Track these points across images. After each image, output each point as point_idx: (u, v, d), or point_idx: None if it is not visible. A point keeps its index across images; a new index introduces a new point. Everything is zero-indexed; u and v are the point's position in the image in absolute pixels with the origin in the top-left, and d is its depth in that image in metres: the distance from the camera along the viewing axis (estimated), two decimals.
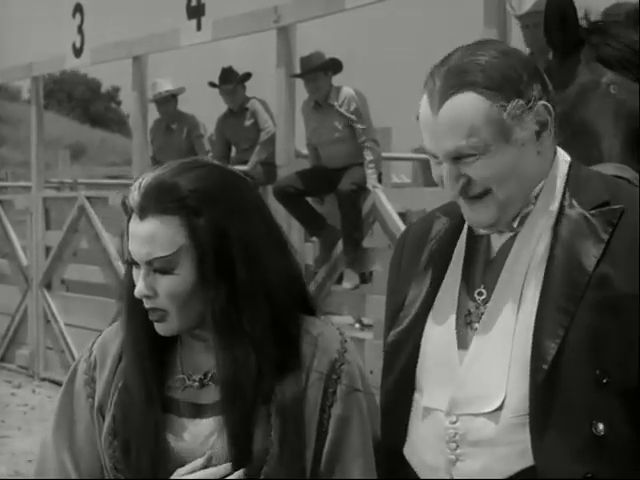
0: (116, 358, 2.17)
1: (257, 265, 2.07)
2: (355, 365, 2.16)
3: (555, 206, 2.09)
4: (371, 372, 2.55)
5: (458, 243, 2.19)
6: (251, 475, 2.03)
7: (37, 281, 11.43)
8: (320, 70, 8.02)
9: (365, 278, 8.64)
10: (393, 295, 2.28)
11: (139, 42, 9.86)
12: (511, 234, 2.11)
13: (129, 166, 11.72)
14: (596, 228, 2.03)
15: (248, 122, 9.55)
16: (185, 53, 10.20)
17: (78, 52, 10.56)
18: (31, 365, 11.48)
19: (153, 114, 10.39)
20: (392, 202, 7.62)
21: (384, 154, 8.96)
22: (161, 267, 2.04)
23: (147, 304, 2.07)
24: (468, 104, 2.00)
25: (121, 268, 8.70)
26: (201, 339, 2.13)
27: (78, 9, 10.52)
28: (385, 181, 9.07)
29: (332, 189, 7.93)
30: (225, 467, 2.04)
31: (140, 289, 2.05)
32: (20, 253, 11.96)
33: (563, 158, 2.15)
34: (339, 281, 8.48)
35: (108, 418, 2.11)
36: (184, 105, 10.44)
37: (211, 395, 2.11)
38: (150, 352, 2.12)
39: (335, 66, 8.18)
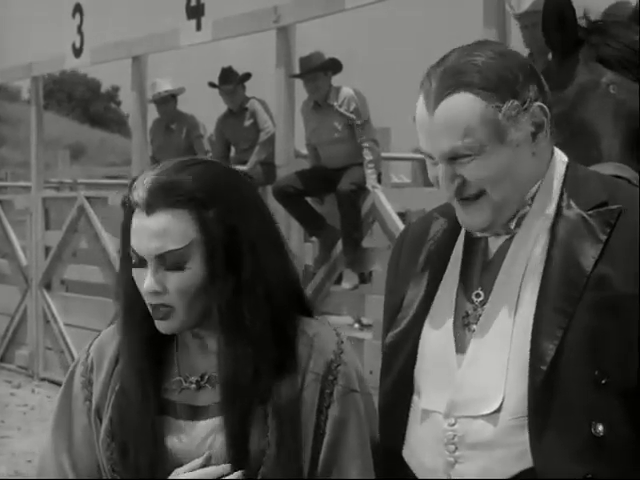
0: (113, 360, 2.16)
1: (260, 263, 2.07)
2: (352, 366, 2.15)
3: (552, 207, 2.08)
4: (370, 372, 2.55)
5: (456, 245, 2.18)
6: (248, 476, 2.03)
7: (37, 281, 11.43)
8: (320, 70, 8.02)
9: (364, 278, 8.64)
10: (391, 295, 2.28)
11: (139, 42, 9.86)
12: (508, 236, 2.10)
13: (129, 166, 11.73)
14: (594, 228, 2.02)
15: (248, 122, 9.55)
16: (185, 53, 10.21)
17: (78, 52, 10.56)
18: (31, 365, 11.48)
19: (153, 114, 10.40)
20: (391, 202, 7.62)
21: (383, 154, 8.96)
22: (173, 261, 2.02)
23: (153, 301, 2.05)
24: (464, 104, 2.00)
25: None
26: (198, 337, 2.13)
27: (78, 9, 10.52)
28: (384, 181, 9.07)
29: (331, 189, 7.93)
30: (224, 467, 2.04)
31: (150, 285, 2.02)
32: (20, 253, 11.96)
33: (560, 159, 2.15)
34: (338, 281, 8.48)
35: (105, 420, 2.11)
36: (184, 105, 10.45)
37: (208, 397, 2.11)
38: (147, 354, 2.11)
39: (335, 66, 8.18)
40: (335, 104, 8.02)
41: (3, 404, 9.80)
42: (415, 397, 2.14)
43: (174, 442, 2.08)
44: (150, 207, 2.03)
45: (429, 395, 2.11)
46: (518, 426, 2.00)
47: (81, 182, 16.53)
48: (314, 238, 8.51)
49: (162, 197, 2.03)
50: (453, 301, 2.13)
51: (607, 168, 2.77)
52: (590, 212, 2.04)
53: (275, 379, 2.07)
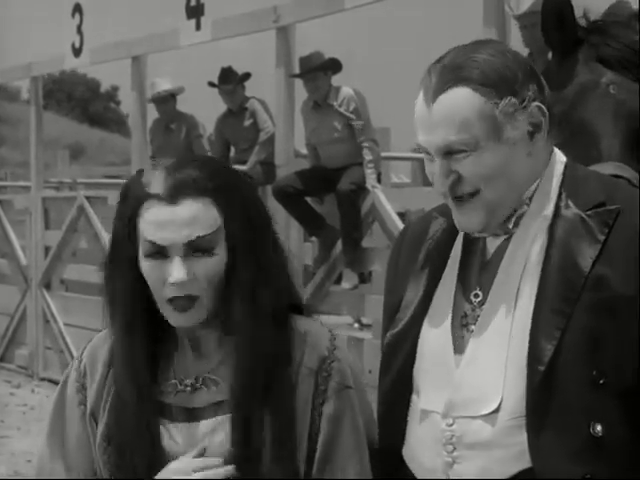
0: (106, 364, 2.15)
1: (267, 254, 2.11)
2: (345, 362, 2.15)
3: (550, 207, 2.08)
4: (370, 372, 2.55)
5: (455, 244, 2.18)
6: (247, 475, 2.03)
7: (36, 281, 11.43)
8: (319, 70, 8.03)
9: (364, 278, 8.64)
10: (390, 295, 2.27)
11: (138, 42, 9.86)
12: (506, 236, 2.10)
13: (128, 166, 11.73)
14: (592, 229, 2.02)
15: (247, 122, 9.55)
16: (184, 53, 10.21)
17: (77, 52, 10.56)
18: (30, 365, 11.48)
19: (152, 114, 10.40)
20: (391, 202, 7.62)
21: (383, 154, 8.96)
22: (203, 247, 2.03)
23: (179, 292, 2.03)
24: (462, 99, 2.01)
25: None
26: (194, 340, 2.13)
27: (77, 9, 10.53)
28: (384, 181, 9.07)
29: (331, 189, 7.94)
30: (213, 460, 2.03)
31: (181, 274, 2.01)
32: (19, 253, 11.97)
33: (559, 159, 2.14)
34: (338, 281, 8.48)
35: (101, 424, 2.10)
36: (183, 105, 10.46)
37: (203, 398, 2.10)
38: (144, 356, 2.10)
39: (334, 66, 8.19)
40: (335, 104, 8.02)
41: (3, 404, 9.80)
42: (414, 397, 2.14)
43: (171, 444, 2.08)
44: (173, 197, 2.03)
45: (428, 395, 2.11)
46: (516, 426, 2.00)
47: (81, 182, 16.51)
48: (314, 238, 8.51)
49: (188, 186, 2.04)
50: (451, 301, 2.13)
51: (607, 168, 2.77)
52: (588, 212, 2.04)
53: (271, 375, 2.07)
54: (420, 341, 2.14)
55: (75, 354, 2.28)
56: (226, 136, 9.83)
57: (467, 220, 2.08)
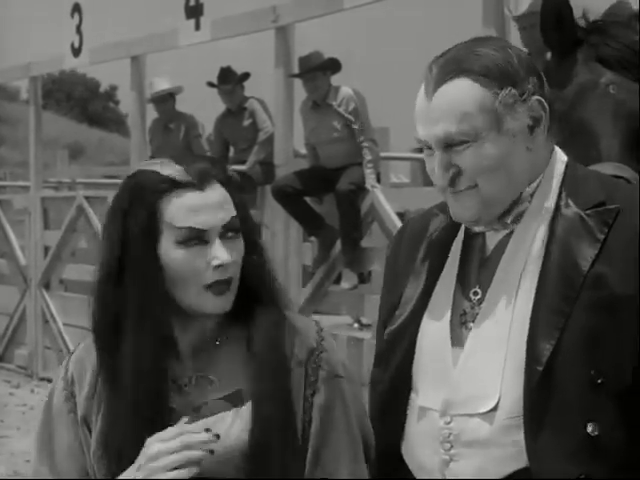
0: (95, 373, 2.13)
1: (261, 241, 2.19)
2: (333, 353, 2.16)
3: (551, 205, 2.08)
4: (369, 371, 2.55)
5: (455, 241, 2.18)
6: (262, 466, 2.03)
7: (36, 281, 11.43)
8: (319, 70, 8.02)
9: (363, 278, 8.64)
10: (389, 292, 2.27)
11: (138, 42, 9.86)
12: (506, 232, 2.10)
13: (127, 166, 11.74)
14: (592, 228, 2.02)
15: (246, 122, 9.55)
16: (184, 53, 10.20)
17: (76, 52, 10.56)
18: (30, 365, 11.48)
19: (151, 114, 10.40)
20: (391, 202, 7.62)
21: (382, 154, 8.97)
22: (236, 228, 2.08)
23: (222, 275, 2.05)
24: (462, 90, 2.01)
25: None
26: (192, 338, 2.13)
27: (76, 9, 10.52)
28: (384, 181, 9.08)
29: (330, 189, 7.93)
30: (193, 426, 2.00)
31: (226, 256, 2.04)
32: (19, 253, 11.97)
33: (560, 158, 2.15)
34: (337, 281, 8.48)
35: (95, 432, 2.07)
36: (183, 105, 10.45)
37: (201, 397, 2.09)
38: (161, 359, 2.08)
39: (334, 66, 8.18)
40: (334, 104, 8.02)
41: (2, 404, 9.80)
42: (413, 394, 2.14)
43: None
44: (202, 183, 2.07)
45: (426, 392, 2.12)
46: (514, 425, 2.00)
47: (80, 182, 16.51)
48: (313, 238, 8.51)
49: (210, 173, 2.10)
50: (451, 298, 2.13)
51: (606, 168, 2.77)
52: (588, 212, 2.04)
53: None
54: (419, 338, 2.15)
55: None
56: (225, 136, 9.82)
57: (461, 210, 2.08)
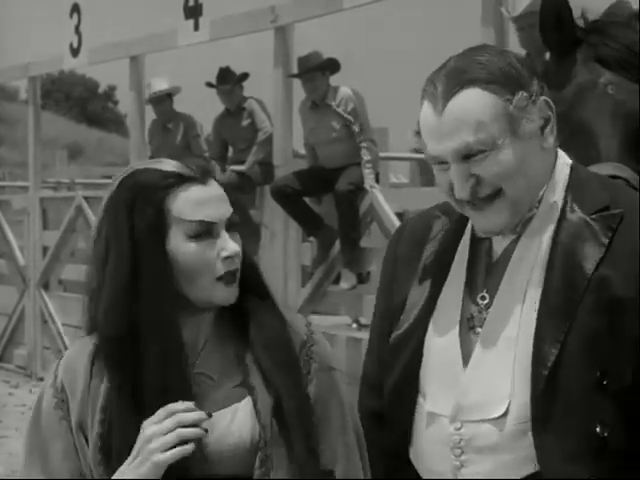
0: (87, 376, 2.10)
1: None
2: (323, 345, 2.17)
3: (557, 210, 2.07)
4: None
5: (461, 245, 2.17)
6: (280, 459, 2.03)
7: (34, 281, 11.43)
8: (318, 70, 8.02)
9: (362, 278, 8.64)
10: (389, 292, 2.26)
11: (136, 42, 9.87)
12: (513, 237, 2.09)
13: (126, 166, 11.72)
14: (597, 232, 2.02)
15: (245, 122, 9.54)
16: (182, 53, 10.21)
17: (75, 52, 10.56)
18: (29, 365, 11.49)
19: (151, 114, 10.40)
20: (389, 202, 7.63)
21: (381, 154, 8.97)
22: (236, 221, 2.10)
23: (232, 265, 2.07)
24: (473, 100, 2.00)
25: None
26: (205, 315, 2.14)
27: (75, 9, 10.52)
28: (382, 181, 9.07)
29: (329, 189, 7.94)
30: (182, 405, 1.99)
31: (235, 247, 2.07)
32: (17, 253, 11.97)
33: (564, 161, 2.14)
34: (336, 281, 8.48)
35: (92, 436, 2.05)
36: (181, 105, 10.45)
37: (204, 395, 2.08)
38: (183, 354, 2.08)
39: (333, 66, 8.18)
40: (333, 104, 8.01)
41: (1, 404, 9.81)
42: (420, 399, 2.13)
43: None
44: (205, 177, 2.10)
45: (434, 398, 2.11)
46: (524, 430, 2.00)
47: (79, 182, 16.53)
48: (312, 238, 8.51)
49: (208, 169, 2.13)
50: (459, 303, 2.12)
51: (605, 168, 2.77)
52: (593, 216, 2.04)
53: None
54: (426, 343, 2.13)
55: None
56: (224, 136, 9.82)
57: (488, 222, 2.06)
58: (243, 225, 2.14)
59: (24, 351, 11.64)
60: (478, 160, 2.01)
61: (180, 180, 2.08)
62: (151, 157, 9.90)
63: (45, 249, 11.43)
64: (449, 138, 2.01)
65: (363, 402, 2.29)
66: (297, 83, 8.30)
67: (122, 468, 1.97)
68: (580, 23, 3.15)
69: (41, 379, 10.91)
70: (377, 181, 8.04)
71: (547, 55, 3.32)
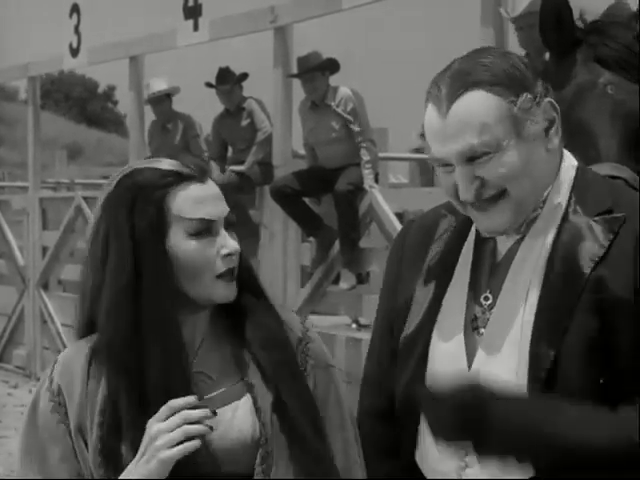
0: (85, 379, 2.11)
1: None
2: (319, 343, 2.18)
3: (560, 212, 2.07)
4: None
5: (465, 245, 2.17)
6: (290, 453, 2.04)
7: (34, 281, 11.43)
8: (317, 70, 8.02)
9: (362, 278, 8.64)
10: (393, 293, 2.26)
11: (136, 42, 9.86)
12: (518, 237, 2.09)
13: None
14: (597, 234, 2.02)
15: (245, 122, 9.54)
16: (182, 53, 10.20)
17: (75, 52, 10.56)
18: (28, 365, 11.48)
19: (150, 114, 10.40)
20: (389, 202, 7.63)
21: (381, 154, 8.97)
22: (234, 220, 2.11)
23: (232, 263, 2.08)
24: (477, 102, 2.00)
25: None
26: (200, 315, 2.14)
27: (75, 9, 10.52)
28: (382, 181, 9.07)
29: (329, 189, 7.94)
30: (184, 401, 2.00)
31: (234, 244, 2.08)
32: (17, 253, 11.97)
33: (570, 162, 2.14)
34: (336, 281, 8.48)
35: (93, 440, 2.04)
36: (181, 105, 10.45)
37: (199, 394, 2.08)
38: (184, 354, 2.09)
39: (332, 66, 8.18)
40: (332, 104, 8.02)
41: (1, 404, 9.80)
42: None
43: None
44: (203, 175, 2.11)
45: None
46: None
47: (78, 182, 16.55)
48: (311, 238, 8.51)
49: (205, 168, 2.14)
50: (464, 304, 2.12)
51: (605, 168, 2.77)
52: (595, 218, 2.04)
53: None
54: (432, 343, 2.13)
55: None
56: (223, 136, 9.81)
57: (492, 223, 2.06)
58: (242, 225, 2.15)
59: (23, 351, 11.64)
60: (482, 162, 2.00)
61: (179, 179, 2.09)
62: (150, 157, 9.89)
63: (44, 249, 11.43)
64: (453, 140, 2.00)
65: (365, 401, 2.30)
66: (297, 83, 8.30)
67: (129, 467, 1.98)
68: (579, 23, 3.15)
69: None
70: (376, 181, 8.04)
71: (546, 55, 3.33)
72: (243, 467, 2.04)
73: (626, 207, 2.05)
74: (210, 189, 2.10)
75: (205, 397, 2.05)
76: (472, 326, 2.10)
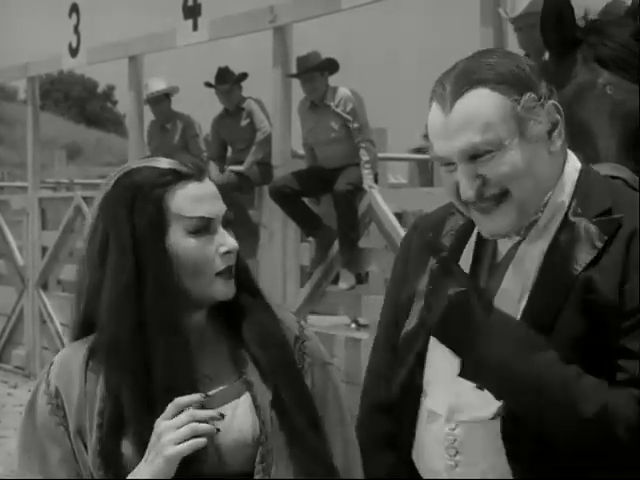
0: (83, 380, 2.10)
1: None
2: (315, 341, 2.19)
3: (561, 214, 2.07)
4: None
5: (467, 245, 2.17)
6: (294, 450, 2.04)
7: (33, 281, 11.43)
8: (317, 70, 8.03)
9: (361, 278, 8.65)
10: (398, 291, 2.26)
11: (135, 42, 9.87)
12: (518, 238, 2.09)
13: None
14: (592, 236, 2.02)
15: (244, 122, 9.54)
16: (181, 53, 10.21)
17: (74, 52, 10.56)
18: (27, 365, 11.48)
19: (150, 114, 10.40)
20: (388, 202, 7.62)
21: (380, 154, 8.97)
22: (231, 218, 2.12)
23: (231, 261, 2.08)
24: (481, 100, 1.99)
25: None
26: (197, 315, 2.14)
27: (74, 9, 10.52)
28: (381, 181, 9.07)
29: (328, 189, 7.94)
30: (188, 398, 2.00)
31: (233, 242, 2.08)
32: (16, 253, 11.98)
33: (573, 165, 2.13)
34: (335, 281, 8.49)
35: (92, 441, 2.04)
36: (180, 105, 10.45)
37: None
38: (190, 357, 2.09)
39: (332, 66, 8.18)
40: (332, 104, 8.02)
41: (0, 404, 9.80)
42: (423, 397, 2.14)
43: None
44: (201, 174, 2.12)
45: (435, 396, 2.12)
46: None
47: (78, 182, 16.56)
48: (311, 238, 8.51)
49: (203, 167, 2.15)
50: None
51: (604, 168, 2.76)
52: (594, 220, 2.04)
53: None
54: (431, 342, 2.13)
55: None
56: (223, 136, 9.81)
57: (495, 226, 2.05)
58: (241, 225, 2.16)
59: (23, 351, 11.64)
60: (485, 160, 2.00)
61: (177, 177, 2.10)
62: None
63: (44, 249, 11.43)
64: (456, 138, 2.00)
65: (369, 394, 2.31)
66: (296, 83, 8.30)
67: (139, 466, 1.98)
68: (581, 23, 3.15)
69: None
70: (376, 181, 8.04)
71: (546, 55, 3.32)
72: (243, 465, 2.04)
73: (626, 207, 2.05)
74: (208, 187, 2.11)
75: (207, 396, 2.04)
76: None
